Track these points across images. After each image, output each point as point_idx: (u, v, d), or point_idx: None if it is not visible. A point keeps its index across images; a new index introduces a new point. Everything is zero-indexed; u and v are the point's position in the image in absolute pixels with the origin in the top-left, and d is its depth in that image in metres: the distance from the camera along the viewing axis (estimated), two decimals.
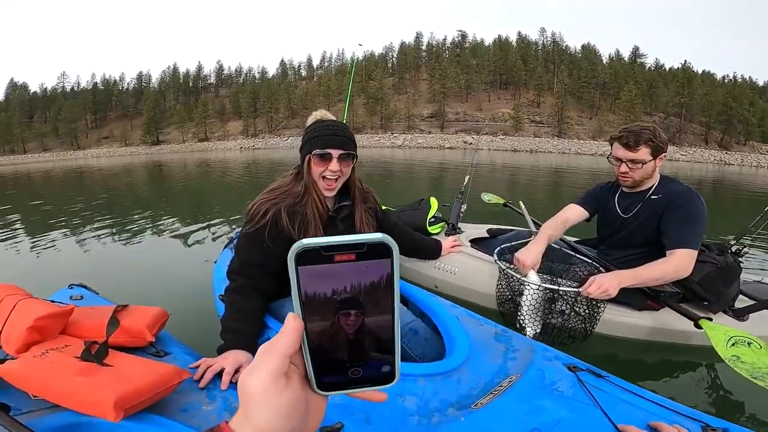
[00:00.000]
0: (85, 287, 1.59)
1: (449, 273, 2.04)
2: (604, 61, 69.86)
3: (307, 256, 0.26)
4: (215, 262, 1.99)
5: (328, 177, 1.21)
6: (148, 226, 4.56)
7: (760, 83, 70.81)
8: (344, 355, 0.28)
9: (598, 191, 1.86)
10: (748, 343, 1.28)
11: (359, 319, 0.27)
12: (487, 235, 2.40)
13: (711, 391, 1.43)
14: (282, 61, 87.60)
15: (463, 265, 2.03)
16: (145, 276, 2.88)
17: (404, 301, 1.48)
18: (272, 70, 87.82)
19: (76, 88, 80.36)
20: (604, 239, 1.84)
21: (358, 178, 1.37)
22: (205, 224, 4.54)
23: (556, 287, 1.53)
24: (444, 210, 2.52)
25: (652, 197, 1.62)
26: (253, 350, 1.12)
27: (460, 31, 78.59)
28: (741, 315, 1.59)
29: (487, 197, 3.06)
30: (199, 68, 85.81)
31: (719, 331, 1.33)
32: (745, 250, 1.76)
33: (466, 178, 2.74)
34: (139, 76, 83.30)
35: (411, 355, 1.27)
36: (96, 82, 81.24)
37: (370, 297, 0.27)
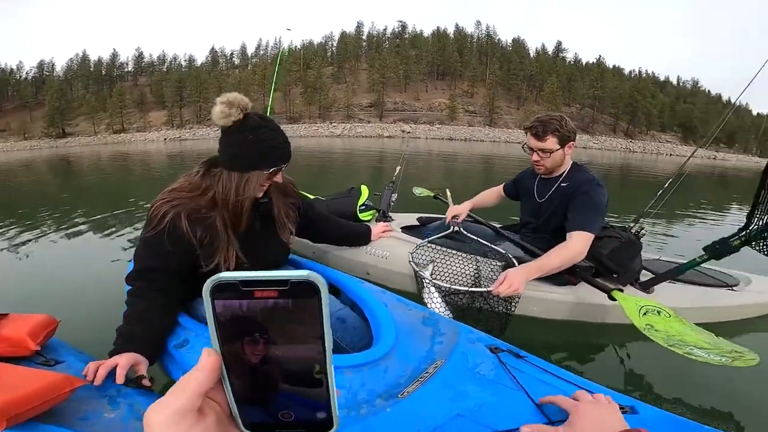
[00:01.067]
0: None
1: (381, 258, 2.03)
2: (531, 55, 74.61)
3: (224, 290, 0.25)
4: (129, 261, 1.86)
5: (265, 185, 1.13)
6: (50, 227, 4.04)
7: (662, 78, 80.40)
8: (270, 397, 0.27)
9: (522, 177, 1.99)
10: (658, 312, 1.40)
11: (284, 359, 0.26)
12: (418, 223, 2.44)
13: (621, 370, 1.54)
14: (213, 48, 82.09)
15: (394, 249, 2.02)
16: (43, 282, 2.58)
17: (334, 290, 1.45)
18: (201, 58, 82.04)
19: None
20: (526, 223, 1.95)
21: None
22: (119, 222, 4.12)
23: (448, 286, 1.50)
24: (376, 199, 2.51)
25: (562, 184, 1.71)
26: (149, 353, 1.04)
27: (401, 21, 79.31)
28: (647, 287, 1.75)
29: (418, 191, 3.08)
30: (115, 55, 77.59)
31: (630, 301, 1.43)
32: (643, 231, 1.94)
33: (398, 168, 2.75)
34: (41, 65, 73.32)
35: (341, 344, 1.24)
36: None
37: (295, 336, 0.25)
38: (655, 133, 65.00)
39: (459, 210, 2.03)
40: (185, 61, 77.76)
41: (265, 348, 0.25)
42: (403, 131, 44.27)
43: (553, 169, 1.74)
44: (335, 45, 79.59)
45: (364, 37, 79.35)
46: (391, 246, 2.05)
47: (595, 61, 73.39)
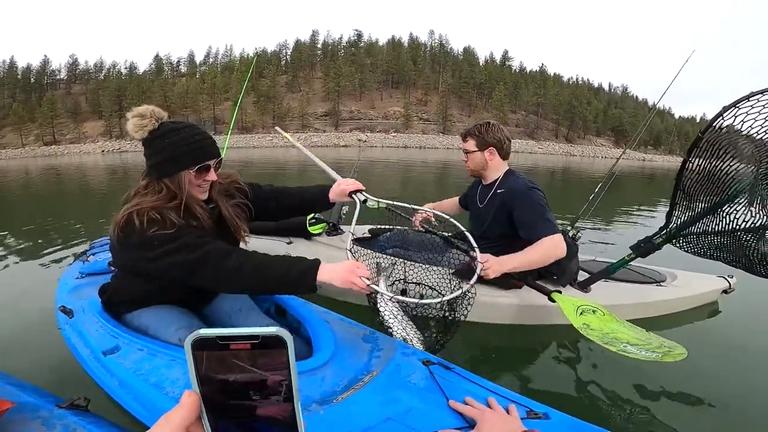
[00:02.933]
0: None
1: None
2: (481, 63, 77.99)
3: (204, 344, 0.29)
4: (60, 278, 1.83)
5: (203, 186, 1.17)
6: None
7: (596, 84, 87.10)
8: None
9: (471, 185, 2.06)
10: (593, 311, 1.48)
11: (257, 402, 0.30)
12: (369, 235, 2.43)
13: (548, 375, 1.60)
14: (157, 55, 77.87)
15: (344, 261, 2.00)
16: None
17: (281, 311, 1.52)
18: (144, 65, 77.69)
19: None
20: (472, 231, 1.99)
21: (220, 175, 1.33)
22: (45, 242, 3.76)
23: (404, 299, 1.31)
24: (327, 212, 2.46)
25: (498, 191, 1.79)
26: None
27: (356, 30, 79.93)
28: (584, 286, 1.86)
29: (371, 203, 3.02)
30: (45, 62, 71.36)
31: (568, 302, 1.50)
32: (580, 234, 2.05)
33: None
34: None
35: None
36: None
37: (266, 383, 0.29)
38: (592, 137, 70.23)
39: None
40: (125, 68, 73.08)
41: (239, 391, 0.30)
42: (359, 140, 44.53)
43: (481, 172, 1.84)
44: (290, 53, 78.68)
45: (319, 46, 79.23)
46: (340, 258, 2.02)
47: (538, 69, 78.19)
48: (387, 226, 2.51)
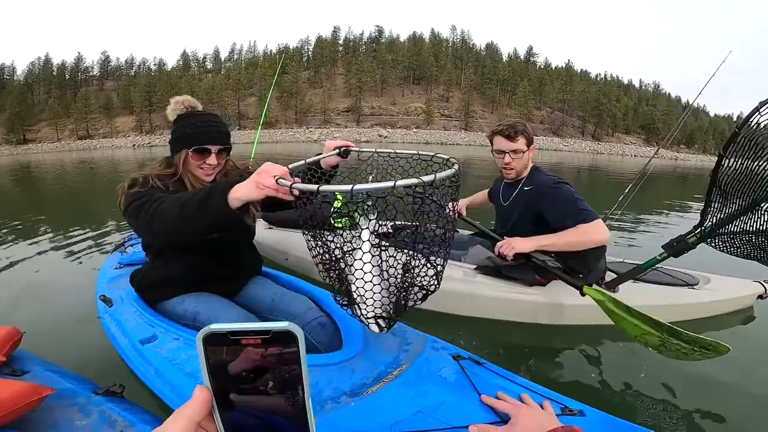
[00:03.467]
0: None
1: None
2: (504, 59, 76.48)
3: (215, 339, 0.29)
4: (99, 270, 1.90)
5: (206, 169, 1.24)
6: (10, 239, 3.86)
7: (625, 81, 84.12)
8: (256, 427, 0.31)
9: (495, 182, 2.03)
10: (627, 309, 1.44)
11: (267, 397, 0.30)
12: (390, 230, 2.43)
13: (575, 376, 1.57)
14: (184, 52, 79.91)
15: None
16: (5, 295, 2.47)
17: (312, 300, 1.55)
18: (172, 62, 79.77)
19: None
20: (497, 229, 1.98)
21: (237, 164, 1.41)
22: (83, 233, 3.94)
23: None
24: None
25: (525, 188, 1.76)
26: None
27: (377, 26, 79.86)
28: (612, 286, 1.80)
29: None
30: (79, 59, 74.29)
31: (601, 294, 1.47)
32: None
33: (369, 177, 2.73)
34: (0, 68, 69.45)
35: (317, 347, 1.29)
36: None
37: (277, 377, 0.30)
38: (620, 135, 67.86)
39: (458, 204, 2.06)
40: (155, 65, 75.44)
41: (250, 386, 0.30)
42: (380, 135, 44.45)
43: (521, 172, 1.79)
44: (311, 49, 79.25)
45: (340, 42, 79.33)
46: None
47: (564, 65, 76.04)
48: (409, 222, 2.53)
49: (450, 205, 0.92)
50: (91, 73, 75.78)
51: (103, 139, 55.46)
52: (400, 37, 79.39)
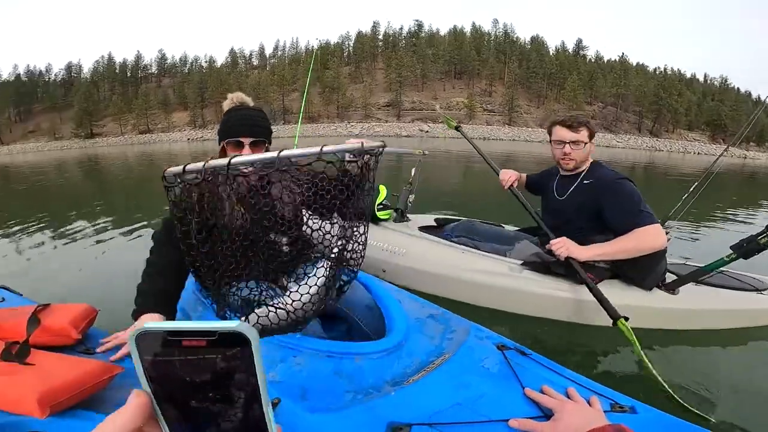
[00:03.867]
0: (7, 289, 1.55)
1: (397, 254, 2.04)
2: (551, 53, 73.13)
3: (151, 339, 0.26)
4: None
5: None
6: (83, 223, 4.23)
7: (688, 75, 77.54)
8: None
9: (543, 175, 2.00)
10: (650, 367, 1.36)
11: (219, 405, 0.27)
12: (435, 224, 2.44)
13: (626, 373, 1.52)
14: (232, 49, 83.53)
15: (411, 246, 2.04)
16: (80, 275, 2.70)
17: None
18: (221, 59, 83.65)
19: None
20: (545, 223, 1.93)
21: None
22: (151, 217, 4.27)
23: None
24: (394, 200, 2.54)
25: (584, 182, 1.71)
26: (166, 309, 1.11)
27: (417, 20, 78.85)
28: (672, 288, 1.72)
29: (443, 118, 3.08)
30: (139, 57, 79.79)
31: (632, 337, 1.39)
32: (669, 234, 1.90)
33: (413, 170, 2.73)
34: (69, 67, 76.01)
35: (365, 330, 1.31)
36: (19, 74, 73.37)
37: (229, 381, 0.26)
38: (682, 131, 62.77)
39: (512, 173, 2.02)
40: (206, 62, 79.38)
41: (199, 392, 0.26)
42: (421, 130, 44.09)
43: (580, 164, 1.75)
44: (352, 45, 79.84)
45: (380, 37, 79.32)
46: (408, 243, 2.07)
47: (617, 58, 71.38)
48: (453, 217, 2.53)
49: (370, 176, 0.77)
50: (149, 71, 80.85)
51: (161, 134, 59.28)
52: (440, 31, 78.14)
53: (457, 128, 2.60)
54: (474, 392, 0.88)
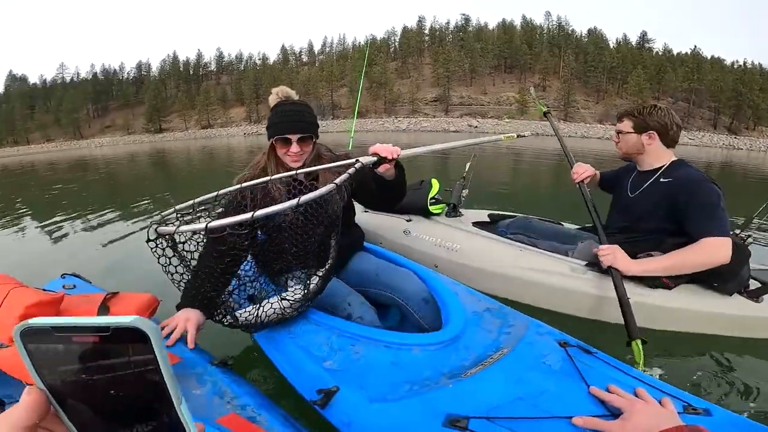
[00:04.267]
0: (78, 276, 1.60)
1: (451, 250, 2.01)
2: (611, 46, 68.26)
3: (38, 334, 0.24)
4: None
5: (291, 156, 1.32)
6: (149, 215, 4.51)
7: None
8: (123, 429, 0.27)
9: (619, 171, 1.89)
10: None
11: (126, 403, 0.25)
12: (488, 220, 2.38)
13: (700, 378, 1.42)
14: (283, 47, 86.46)
15: (465, 242, 2.01)
16: (143, 264, 2.74)
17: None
18: (273, 56, 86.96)
19: (75, 79, 79.91)
20: (612, 221, 1.83)
21: (332, 149, 1.46)
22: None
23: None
24: (447, 195, 2.50)
25: (662, 180, 1.60)
26: (206, 309, 1.17)
27: (464, 14, 76.93)
28: (756, 295, 1.58)
29: (534, 93, 2.90)
30: (199, 56, 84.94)
31: (641, 358, 1.30)
32: (751, 239, 1.74)
33: (467, 165, 2.64)
34: (139, 66, 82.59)
35: (422, 323, 1.31)
36: (95, 72, 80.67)
37: (131, 378, 0.25)
38: (764, 128, 56.08)
39: (587, 168, 1.91)
40: (259, 59, 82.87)
41: (101, 390, 0.25)
42: (470, 125, 43.08)
43: (633, 156, 1.70)
44: (398, 40, 79.55)
45: (426, 32, 78.23)
46: (461, 239, 2.04)
47: (689, 51, 65.02)
48: (506, 213, 2.44)
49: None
50: (209, 68, 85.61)
51: (220, 128, 62.70)
52: (489, 25, 75.55)
53: (546, 114, 2.54)
54: (535, 388, 0.87)
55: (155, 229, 0.94)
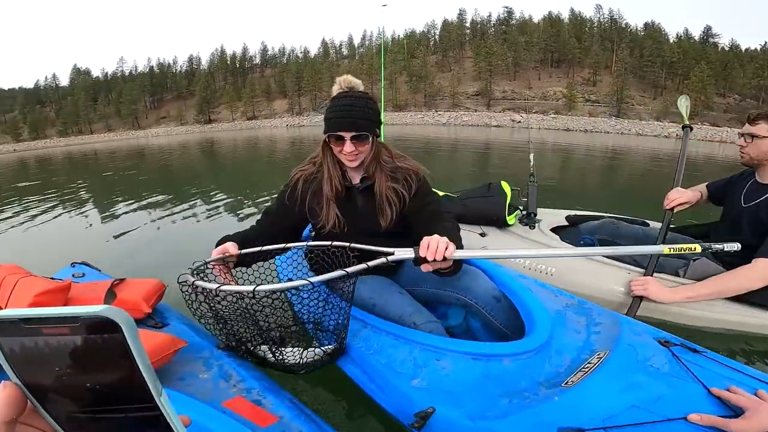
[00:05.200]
0: (87, 265, 1.63)
1: (544, 274, 1.78)
2: (671, 40, 63.34)
3: (8, 327, 0.23)
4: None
5: (346, 155, 1.22)
6: (179, 204, 4.57)
7: None
8: (105, 421, 0.26)
9: (732, 179, 1.73)
10: None
11: (105, 396, 0.25)
12: (566, 223, 2.18)
13: None
14: (323, 40, 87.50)
15: (560, 263, 1.78)
16: (156, 251, 2.85)
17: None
18: (314, 50, 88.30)
19: (134, 72, 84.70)
20: (717, 230, 1.70)
21: (394, 153, 1.33)
22: (239, 201, 4.56)
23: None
24: (514, 195, 2.24)
25: None
26: (243, 247, 1.17)
27: (506, 7, 74.16)
28: None
29: (685, 103, 2.24)
30: (245, 50, 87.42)
31: None
32: None
33: (531, 157, 2.41)
34: (190, 59, 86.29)
35: (496, 324, 1.25)
36: (152, 66, 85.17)
37: (106, 369, 0.24)
38: None
39: (683, 195, 1.70)
40: (301, 52, 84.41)
41: (77, 383, 0.24)
42: (513, 120, 41.64)
43: (760, 163, 1.52)
44: (438, 33, 78.10)
45: (467, 25, 76.24)
46: (556, 260, 1.79)
47: (759, 47, 58.94)
48: (586, 213, 2.22)
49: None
50: (254, 62, 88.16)
51: (264, 120, 64.51)
52: (533, 18, 72.33)
53: (684, 128, 2.07)
54: (648, 393, 0.83)
55: (193, 283, 0.92)
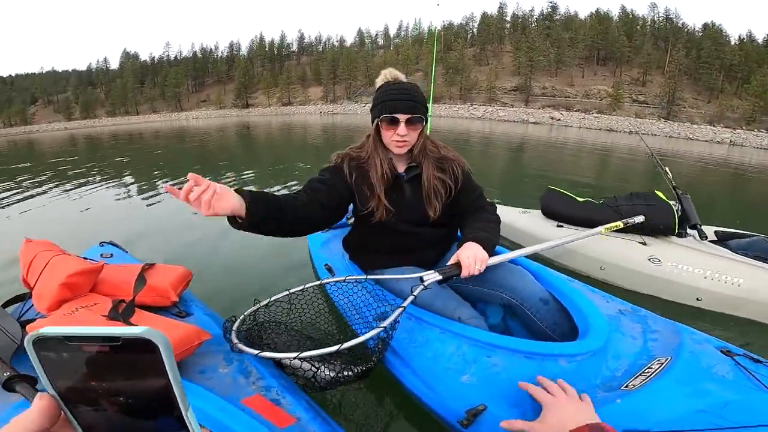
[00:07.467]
0: (115, 245, 1.63)
1: (731, 285, 1.68)
2: (733, 43, 58.79)
3: (49, 343, 0.25)
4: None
5: (396, 140, 1.22)
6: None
7: None
8: None
9: None
10: None
11: (136, 411, 0.26)
12: (715, 238, 2.04)
13: None
14: (359, 30, 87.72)
15: (747, 274, 1.67)
16: (182, 236, 2.84)
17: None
18: (350, 39, 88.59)
19: (178, 57, 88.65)
20: None
21: (438, 144, 1.36)
22: (285, 185, 4.61)
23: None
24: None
25: None
26: (248, 205, 0.94)
27: (551, 2, 71.00)
28: None
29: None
30: (283, 37, 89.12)
31: None
32: None
33: (667, 169, 2.22)
34: (231, 45, 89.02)
35: (542, 327, 1.22)
36: (195, 51, 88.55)
37: (140, 386, 0.25)
38: None
39: None
40: (337, 42, 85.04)
41: (111, 398, 0.26)
42: (552, 118, 40.18)
43: None
44: (476, 26, 76.21)
45: (507, 19, 73.97)
46: (739, 271, 1.70)
47: None
48: (738, 231, 2.09)
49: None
50: (291, 49, 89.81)
51: (299, 106, 65.83)
52: (579, 14, 69.01)
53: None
54: (715, 399, 0.81)
55: (235, 345, 0.97)
